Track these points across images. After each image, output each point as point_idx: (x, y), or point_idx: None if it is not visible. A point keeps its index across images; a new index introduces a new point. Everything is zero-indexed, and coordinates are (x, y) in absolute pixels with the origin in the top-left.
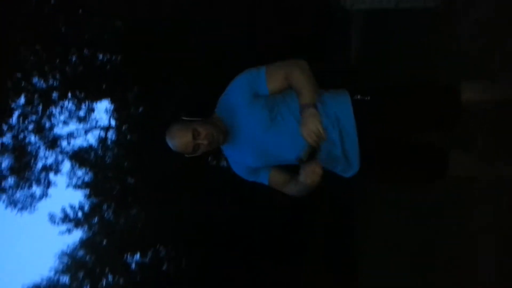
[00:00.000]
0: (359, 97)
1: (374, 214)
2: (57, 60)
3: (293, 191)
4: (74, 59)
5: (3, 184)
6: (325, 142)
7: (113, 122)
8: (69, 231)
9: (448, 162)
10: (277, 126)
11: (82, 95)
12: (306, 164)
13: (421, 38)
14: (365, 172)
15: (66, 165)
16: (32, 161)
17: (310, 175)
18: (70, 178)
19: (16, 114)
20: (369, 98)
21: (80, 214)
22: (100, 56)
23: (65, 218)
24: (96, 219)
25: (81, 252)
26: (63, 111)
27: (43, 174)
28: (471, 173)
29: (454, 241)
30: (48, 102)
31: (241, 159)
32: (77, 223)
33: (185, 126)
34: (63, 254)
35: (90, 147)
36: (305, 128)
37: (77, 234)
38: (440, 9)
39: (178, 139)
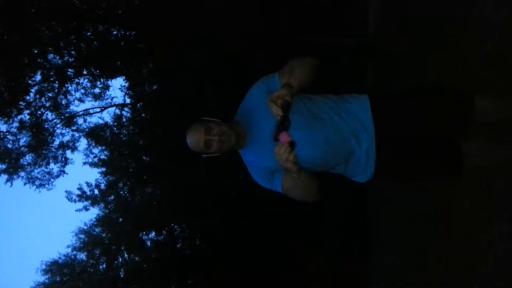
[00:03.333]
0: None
1: (386, 219)
2: (72, 36)
3: (294, 193)
4: (88, 34)
5: (21, 161)
6: (346, 142)
7: (128, 100)
8: (85, 208)
9: (462, 154)
10: (294, 124)
11: (97, 72)
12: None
13: (441, 12)
14: (381, 172)
15: (83, 143)
16: (49, 138)
17: (277, 155)
18: (87, 156)
19: (32, 91)
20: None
21: (96, 191)
22: (115, 32)
23: (82, 196)
24: (112, 197)
25: (97, 230)
26: (79, 88)
27: (60, 152)
28: (488, 160)
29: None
30: (64, 79)
31: (259, 162)
32: (94, 200)
33: (201, 123)
34: (80, 231)
35: (106, 124)
36: (272, 95)
37: (94, 212)
38: None
39: (191, 135)
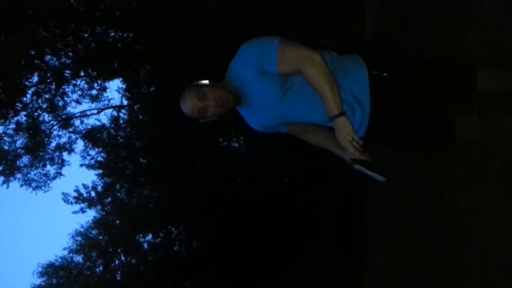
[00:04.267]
0: (375, 72)
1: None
2: (70, 38)
3: (319, 143)
4: (86, 36)
5: (18, 162)
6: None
7: (125, 101)
8: (82, 210)
9: (455, 128)
10: (290, 97)
11: (95, 73)
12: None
13: (440, 13)
14: (371, 137)
15: (80, 145)
16: (46, 140)
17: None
18: (84, 158)
19: (29, 92)
20: (386, 74)
21: (93, 193)
22: (112, 34)
23: (79, 198)
24: (109, 199)
25: (94, 232)
26: (76, 89)
27: (56, 153)
28: (478, 136)
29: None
30: (61, 80)
31: (256, 120)
32: (90, 203)
33: (194, 89)
34: (76, 233)
35: (103, 126)
36: (340, 139)
37: (90, 214)
38: None
39: (186, 102)
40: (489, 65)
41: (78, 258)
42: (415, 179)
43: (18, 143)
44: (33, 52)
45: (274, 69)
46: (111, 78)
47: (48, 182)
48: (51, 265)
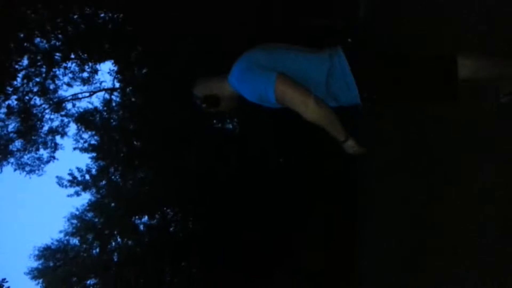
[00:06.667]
0: (365, 95)
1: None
2: (59, 19)
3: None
4: (75, 17)
5: (10, 147)
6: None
7: (117, 84)
8: (77, 193)
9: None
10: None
11: (85, 55)
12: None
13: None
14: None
15: (72, 128)
16: (38, 124)
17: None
18: (77, 141)
19: (20, 76)
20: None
21: (87, 177)
22: (102, 15)
23: (73, 181)
24: (103, 182)
25: (89, 215)
26: (67, 72)
27: (49, 137)
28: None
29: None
30: (51, 63)
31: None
32: (85, 186)
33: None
34: (72, 216)
35: (95, 109)
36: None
37: (85, 197)
38: None
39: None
40: (469, 53)
41: (75, 241)
42: (411, 169)
43: (10, 128)
44: (22, 35)
45: (271, 97)
46: (102, 60)
47: (42, 166)
48: (47, 248)
